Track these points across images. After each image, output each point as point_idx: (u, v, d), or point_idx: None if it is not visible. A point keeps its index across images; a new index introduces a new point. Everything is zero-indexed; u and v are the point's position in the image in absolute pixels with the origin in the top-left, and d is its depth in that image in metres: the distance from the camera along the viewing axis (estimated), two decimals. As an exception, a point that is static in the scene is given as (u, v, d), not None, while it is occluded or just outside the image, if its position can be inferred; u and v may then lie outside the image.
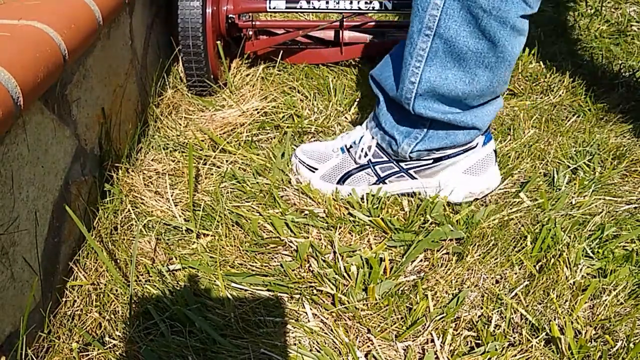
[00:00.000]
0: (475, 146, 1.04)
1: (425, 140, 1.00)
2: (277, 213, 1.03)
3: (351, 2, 1.41)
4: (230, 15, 1.45)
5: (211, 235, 0.99)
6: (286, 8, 1.44)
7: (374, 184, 1.07)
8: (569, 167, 1.19)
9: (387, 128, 1.03)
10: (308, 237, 0.98)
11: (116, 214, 1.00)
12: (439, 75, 0.91)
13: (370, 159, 1.06)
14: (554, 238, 0.96)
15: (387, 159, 1.05)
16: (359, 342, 0.82)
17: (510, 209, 1.06)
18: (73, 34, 0.84)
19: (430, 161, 1.04)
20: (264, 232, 1.00)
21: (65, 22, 0.84)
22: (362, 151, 1.07)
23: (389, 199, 1.07)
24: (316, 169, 1.10)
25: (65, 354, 0.78)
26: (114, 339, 0.81)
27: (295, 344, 0.80)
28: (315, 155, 1.12)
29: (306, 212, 1.04)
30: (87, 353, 0.79)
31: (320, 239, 0.99)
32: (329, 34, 1.61)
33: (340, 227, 1.00)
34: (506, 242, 0.97)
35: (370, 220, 1.01)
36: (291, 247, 0.97)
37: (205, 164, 1.17)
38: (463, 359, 0.78)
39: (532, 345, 0.80)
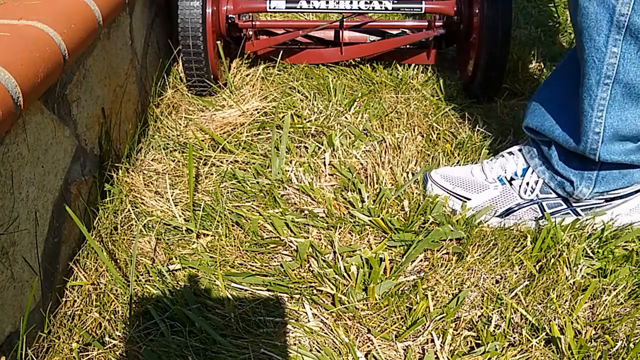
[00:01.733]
0: None
1: (602, 182, 0.97)
2: (277, 213, 1.03)
3: (351, 2, 1.41)
4: (230, 15, 1.45)
5: (211, 235, 0.99)
6: (286, 8, 1.44)
7: (539, 219, 1.03)
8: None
9: (559, 170, 0.99)
10: (308, 237, 0.98)
11: (116, 214, 1.00)
12: (620, 119, 0.89)
13: (537, 194, 1.02)
14: (554, 238, 0.96)
15: (556, 196, 1.01)
16: (359, 342, 0.82)
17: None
18: (73, 34, 0.84)
19: (602, 201, 1.01)
20: (264, 232, 1.00)
21: (65, 22, 0.84)
22: (527, 185, 1.02)
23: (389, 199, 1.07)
24: (469, 199, 1.04)
25: (65, 354, 0.78)
26: (114, 339, 0.81)
27: (295, 344, 0.80)
28: (462, 182, 1.06)
29: (306, 212, 1.04)
30: (87, 353, 0.79)
31: (320, 239, 0.99)
32: (329, 34, 1.61)
33: (340, 227, 1.00)
34: (506, 242, 0.97)
35: (370, 220, 1.01)
36: (291, 247, 0.97)
37: (205, 164, 1.17)
38: (463, 359, 0.78)
39: (532, 345, 0.80)
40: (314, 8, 1.43)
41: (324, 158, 1.18)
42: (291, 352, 0.79)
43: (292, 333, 0.82)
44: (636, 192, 1.01)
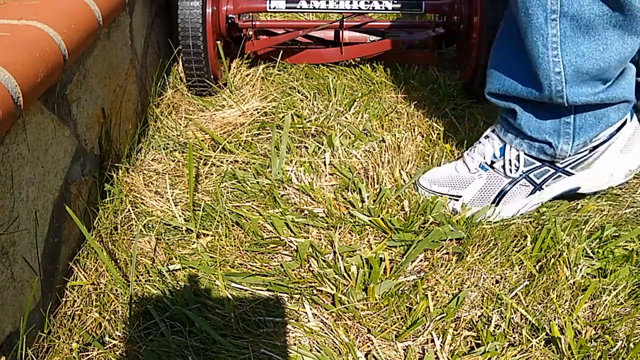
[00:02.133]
0: (624, 123, 1.00)
1: (579, 132, 0.96)
2: (277, 213, 1.03)
3: (351, 2, 1.42)
4: (230, 15, 1.45)
5: (211, 235, 0.99)
6: (286, 8, 1.44)
7: (531, 194, 1.02)
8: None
9: (534, 135, 0.98)
10: (308, 237, 0.98)
11: (116, 214, 1.00)
12: (576, 54, 0.88)
13: (522, 170, 1.01)
14: (554, 238, 0.96)
15: (541, 164, 1.00)
16: (359, 342, 0.82)
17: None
18: (73, 34, 0.84)
19: (587, 152, 1.00)
20: (264, 232, 1.00)
21: (65, 22, 0.84)
22: (510, 164, 1.01)
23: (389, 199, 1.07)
24: (460, 197, 1.03)
25: (65, 354, 0.78)
26: (114, 339, 0.81)
27: (295, 344, 0.80)
28: (448, 181, 1.05)
29: (306, 212, 1.04)
30: (87, 353, 0.79)
31: (320, 239, 0.99)
32: (329, 34, 1.61)
33: (340, 227, 1.00)
34: (506, 242, 0.97)
35: (370, 220, 1.01)
36: (291, 247, 0.97)
37: (205, 164, 1.17)
38: (463, 359, 0.78)
39: (532, 345, 0.80)
40: (314, 8, 1.43)
41: (324, 158, 1.18)
42: (291, 352, 0.79)
43: (292, 333, 0.82)
44: (617, 130, 1.00)
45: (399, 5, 1.43)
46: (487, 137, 1.06)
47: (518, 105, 0.99)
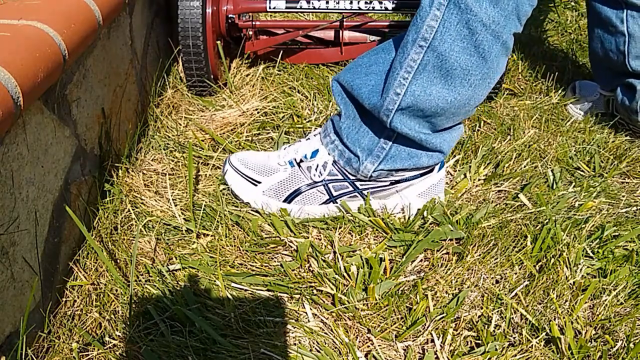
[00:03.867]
0: (431, 171, 1.03)
1: (388, 159, 0.97)
2: (277, 213, 1.03)
3: (351, 2, 1.42)
4: (230, 15, 1.45)
5: (211, 235, 0.99)
6: (286, 8, 1.44)
7: (324, 203, 1.03)
8: (569, 167, 1.19)
9: (349, 144, 0.99)
10: (308, 237, 0.98)
11: (116, 214, 1.01)
12: (424, 91, 0.89)
13: (325, 178, 1.02)
14: (554, 238, 0.96)
15: (343, 178, 1.01)
16: (359, 342, 0.82)
17: (510, 209, 1.06)
18: (73, 34, 0.84)
19: (388, 183, 1.01)
20: (264, 232, 1.00)
21: (65, 22, 0.84)
22: (316, 169, 1.02)
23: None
24: (259, 182, 1.03)
25: (65, 354, 0.78)
26: (114, 339, 0.81)
27: (295, 344, 0.80)
28: (256, 166, 1.05)
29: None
30: (87, 353, 0.79)
31: (320, 239, 0.99)
32: (329, 34, 1.61)
33: (340, 227, 1.00)
34: (506, 242, 0.97)
35: (370, 220, 1.01)
36: (291, 247, 0.97)
37: (205, 165, 1.17)
38: (463, 359, 0.78)
39: (532, 345, 0.80)
40: (314, 8, 1.43)
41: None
42: (291, 352, 0.79)
43: (292, 333, 0.82)
44: (421, 175, 1.02)
45: (399, 6, 1.43)
46: (308, 138, 1.07)
47: (353, 107, 0.99)
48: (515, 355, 0.79)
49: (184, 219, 1.02)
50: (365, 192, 1.03)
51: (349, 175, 1.02)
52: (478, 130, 1.31)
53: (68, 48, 0.81)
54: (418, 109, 0.91)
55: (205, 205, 1.03)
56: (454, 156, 1.20)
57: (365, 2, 1.42)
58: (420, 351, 0.80)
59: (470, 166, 1.17)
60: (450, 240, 0.97)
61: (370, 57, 0.99)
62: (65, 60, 0.80)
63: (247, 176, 1.04)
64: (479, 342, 0.81)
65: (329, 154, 1.02)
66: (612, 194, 1.12)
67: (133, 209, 1.02)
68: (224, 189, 1.09)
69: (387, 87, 0.92)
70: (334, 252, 0.95)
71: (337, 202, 1.03)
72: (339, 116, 1.02)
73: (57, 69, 0.78)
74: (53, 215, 0.83)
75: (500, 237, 0.98)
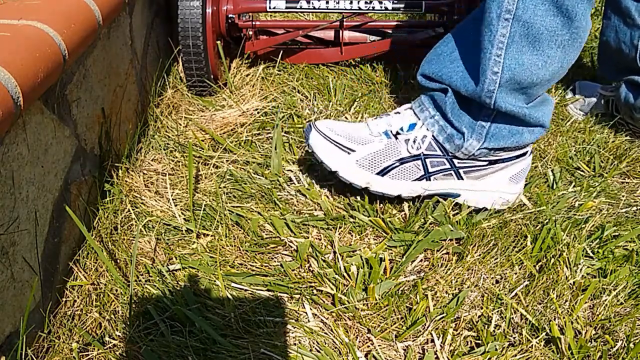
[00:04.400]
0: (524, 155, 1.02)
1: (492, 137, 0.97)
2: (277, 213, 1.03)
3: (351, 2, 1.42)
4: (230, 15, 1.45)
5: (211, 235, 0.99)
6: (286, 8, 1.44)
7: (417, 179, 1.00)
8: (568, 167, 1.19)
9: (453, 120, 0.97)
10: (308, 237, 0.98)
11: (116, 214, 1.00)
12: (517, 61, 0.89)
13: (423, 152, 0.99)
14: (554, 238, 0.96)
15: (442, 154, 0.99)
16: (359, 342, 0.82)
17: (510, 209, 1.06)
18: (73, 34, 0.84)
19: (486, 163, 1.00)
20: (264, 232, 1.00)
21: (65, 22, 0.84)
22: (414, 142, 0.99)
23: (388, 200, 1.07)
24: (352, 150, 0.99)
25: (65, 354, 0.78)
26: (114, 339, 0.81)
27: (295, 344, 0.80)
28: (346, 134, 1.01)
29: (305, 212, 1.04)
30: (87, 353, 0.79)
31: (320, 239, 0.99)
32: (329, 34, 1.61)
33: (340, 227, 1.00)
34: (506, 242, 0.97)
35: (370, 220, 1.01)
36: (291, 247, 0.97)
37: (205, 165, 1.17)
38: (463, 359, 0.78)
39: (532, 345, 0.80)
40: (314, 8, 1.43)
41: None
42: (291, 352, 0.79)
43: (292, 333, 0.82)
44: (516, 157, 1.02)
45: (399, 5, 1.43)
46: (398, 112, 1.04)
47: (451, 90, 0.98)
48: (515, 355, 0.79)
49: (184, 219, 1.02)
50: (460, 171, 1.01)
51: (448, 152, 1.00)
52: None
53: (68, 48, 0.81)
54: (515, 82, 0.91)
55: (205, 205, 1.03)
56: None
57: (365, 2, 1.42)
58: (420, 351, 0.80)
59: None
60: (450, 240, 0.97)
61: (448, 45, 0.99)
62: (65, 60, 0.80)
63: (338, 143, 0.99)
64: (479, 342, 0.81)
65: (427, 129, 1.00)
66: (612, 194, 1.12)
67: (133, 209, 1.02)
68: (223, 187, 1.10)
69: (482, 70, 0.91)
70: (334, 252, 0.95)
71: (430, 180, 1.01)
72: (437, 95, 0.99)
73: (57, 69, 0.78)
74: (53, 215, 0.83)
75: (500, 237, 0.98)
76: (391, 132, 1.01)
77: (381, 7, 1.42)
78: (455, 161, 1.00)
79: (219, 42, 1.40)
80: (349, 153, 0.99)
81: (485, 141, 0.97)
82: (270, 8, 1.44)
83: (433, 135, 0.99)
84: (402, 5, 1.43)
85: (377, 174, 0.99)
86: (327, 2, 1.42)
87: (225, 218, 1.00)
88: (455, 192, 1.03)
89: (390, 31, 1.57)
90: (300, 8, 1.43)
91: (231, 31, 1.49)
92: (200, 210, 1.02)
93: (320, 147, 1.01)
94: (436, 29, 1.49)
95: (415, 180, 1.01)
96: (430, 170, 1.00)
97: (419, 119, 1.01)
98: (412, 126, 1.00)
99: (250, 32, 1.52)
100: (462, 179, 1.02)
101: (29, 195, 0.75)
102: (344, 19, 1.47)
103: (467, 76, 0.95)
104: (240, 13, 1.47)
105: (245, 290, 0.89)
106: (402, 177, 1.00)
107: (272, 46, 1.53)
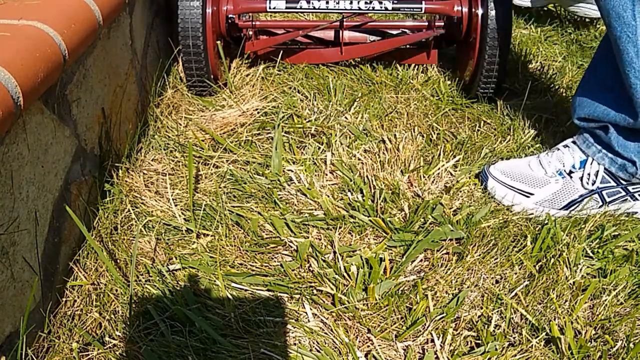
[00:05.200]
0: None
1: None
2: (277, 213, 1.03)
3: (351, 2, 1.41)
4: (230, 16, 1.45)
5: (211, 235, 0.99)
6: (286, 8, 1.43)
7: (601, 206, 1.07)
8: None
9: (621, 151, 1.01)
10: (308, 237, 0.98)
11: (116, 214, 1.00)
12: None
13: (598, 186, 1.05)
14: (554, 238, 0.96)
15: (615, 184, 1.05)
16: (359, 342, 0.82)
17: (510, 209, 1.06)
18: (73, 34, 0.84)
19: None
20: (264, 232, 1.00)
21: (65, 22, 0.84)
22: (588, 178, 1.05)
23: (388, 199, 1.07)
24: (531, 194, 1.06)
25: (65, 354, 0.78)
26: (114, 339, 0.81)
27: (295, 344, 0.80)
28: (522, 177, 1.08)
29: (305, 212, 1.04)
30: (87, 353, 0.79)
31: (320, 239, 0.99)
32: (329, 34, 1.61)
33: (340, 227, 1.00)
34: (506, 242, 0.97)
35: (370, 220, 1.01)
36: (291, 247, 0.97)
37: (205, 164, 1.17)
38: (463, 359, 0.78)
39: (532, 345, 0.80)
40: (314, 8, 1.43)
41: (325, 158, 1.18)
42: (291, 352, 0.79)
43: (292, 333, 0.82)
44: None
45: (399, 6, 1.43)
46: (566, 146, 1.09)
47: (612, 127, 1.02)
48: (515, 355, 0.79)
49: (184, 219, 1.02)
50: (636, 194, 1.05)
51: (622, 181, 1.04)
52: (478, 130, 1.31)
53: (68, 48, 0.81)
54: None
55: (205, 205, 1.03)
56: (454, 156, 1.20)
57: (366, 2, 1.42)
58: (420, 351, 0.80)
59: (470, 166, 1.17)
60: (450, 240, 0.97)
61: (589, 86, 1.04)
62: (65, 60, 0.80)
63: (516, 188, 1.07)
64: (479, 342, 0.81)
65: (598, 163, 1.05)
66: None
67: (133, 209, 1.02)
68: (223, 187, 1.10)
69: (638, 104, 0.94)
70: (334, 252, 0.95)
71: (608, 206, 1.06)
72: (599, 130, 1.04)
73: (57, 69, 0.78)
74: (53, 215, 0.83)
75: (500, 237, 0.98)
76: (564, 171, 1.07)
77: (381, 7, 1.42)
78: (630, 187, 1.05)
79: (219, 42, 1.40)
80: (528, 197, 1.06)
81: None
82: (270, 8, 1.44)
83: (605, 169, 1.05)
84: (402, 6, 1.43)
85: (560, 209, 1.06)
86: (327, 2, 1.42)
87: (225, 218, 1.00)
88: (633, 211, 1.07)
89: (390, 31, 1.57)
90: (301, 8, 1.43)
91: (231, 31, 1.49)
92: (200, 210, 1.02)
93: (499, 193, 1.08)
94: (436, 29, 1.49)
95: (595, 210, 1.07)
96: (608, 199, 1.06)
97: (588, 155, 1.06)
98: (582, 162, 1.06)
99: (250, 32, 1.52)
100: (637, 199, 1.06)
101: (29, 195, 0.75)
102: (344, 19, 1.47)
103: (624, 110, 0.98)
104: (240, 13, 1.47)
105: (245, 290, 0.89)
106: (583, 211, 1.06)
107: (272, 46, 1.53)
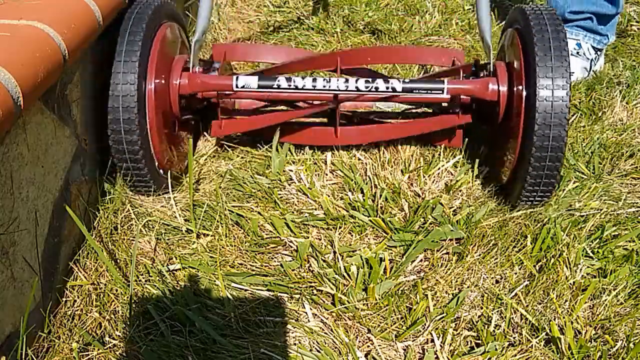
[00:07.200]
0: None
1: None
2: (277, 213, 1.03)
3: (346, 82, 1.05)
4: (184, 94, 1.08)
5: (211, 235, 0.99)
6: (259, 87, 1.05)
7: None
8: (569, 167, 1.19)
9: (602, 32, 1.44)
10: (308, 237, 0.98)
11: (116, 214, 1.00)
12: None
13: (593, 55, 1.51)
14: (554, 238, 0.96)
15: (597, 54, 1.47)
16: (359, 342, 0.82)
17: (510, 209, 1.06)
18: (73, 34, 0.84)
19: None
20: (264, 232, 1.00)
21: (65, 22, 0.84)
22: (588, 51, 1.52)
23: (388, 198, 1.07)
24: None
25: (65, 354, 0.78)
26: (114, 339, 0.81)
27: (295, 344, 0.80)
28: None
29: (306, 212, 1.04)
30: (87, 353, 0.79)
31: (320, 239, 0.99)
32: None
33: (340, 227, 1.00)
34: (506, 242, 0.97)
35: (370, 220, 1.01)
36: (291, 247, 0.97)
37: (205, 164, 1.17)
38: (463, 359, 0.78)
39: (532, 345, 0.80)
40: (296, 88, 1.05)
41: (325, 157, 1.17)
42: (291, 352, 0.79)
43: (292, 333, 0.82)
44: None
45: (411, 86, 1.04)
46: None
47: (593, 16, 1.49)
48: (515, 355, 0.79)
49: (184, 219, 1.02)
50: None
51: (599, 49, 1.56)
52: (479, 129, 1.31)
53: (68, 48, 0.81)
54: None
55: (205, 206, 1.03)
56: (454, 156, 1.20)
57: (366, 82, 1.05)
58: (420, 351, 0.80)
59: (470, 166, 1.17)
60: (450, 240, 0.97)
61: None
62: (65, 60, 0.80)
63: None
64: (479, 342, 0.81)
65: (586, 42, 1.54)
66: (612, 194, 1.12)
67: (133, 209, 1.02)
68: (223, 187, 1.09)
69: None
70: (334, 252, 0.95)
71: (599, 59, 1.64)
72: (586, 23, 1.52)
73: (57, 69, 0.78)
74: (53, 215, 0.83)
75: (500, 237, 0.98)
76: (574, 49, 1.55)
77: (387, 87, 1.05)
78: (603, 50, 1.59)
79: (173, 123, 1.10)
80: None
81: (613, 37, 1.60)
82: (237, 87, 1.06)
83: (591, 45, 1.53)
84: (416, 86, 1.05)
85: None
86: (314, 82, 1.04)
87: (225, 218, 1.00)
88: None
89: (402, 105, 1.26)
90: (278, 88, 1.05)
91: (189, 107, 1.14)
92: (200, 210, 1.02)
93: None
94: (460, 116, 1.13)
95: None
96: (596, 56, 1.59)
97: (579, 40, 1.56)
98: (579, 44, 1.54)
99: (218, 109, 1.15)
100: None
101: (29, 195, 0.75)
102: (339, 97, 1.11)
103: (607, 3, 1.46)
104: (198, 91, 1.10)
105: (245, 290, 0.89)
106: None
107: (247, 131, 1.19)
